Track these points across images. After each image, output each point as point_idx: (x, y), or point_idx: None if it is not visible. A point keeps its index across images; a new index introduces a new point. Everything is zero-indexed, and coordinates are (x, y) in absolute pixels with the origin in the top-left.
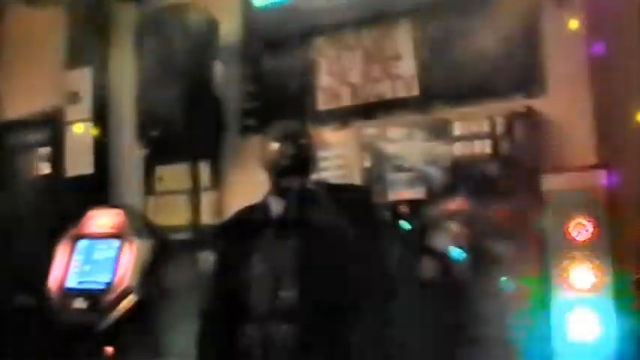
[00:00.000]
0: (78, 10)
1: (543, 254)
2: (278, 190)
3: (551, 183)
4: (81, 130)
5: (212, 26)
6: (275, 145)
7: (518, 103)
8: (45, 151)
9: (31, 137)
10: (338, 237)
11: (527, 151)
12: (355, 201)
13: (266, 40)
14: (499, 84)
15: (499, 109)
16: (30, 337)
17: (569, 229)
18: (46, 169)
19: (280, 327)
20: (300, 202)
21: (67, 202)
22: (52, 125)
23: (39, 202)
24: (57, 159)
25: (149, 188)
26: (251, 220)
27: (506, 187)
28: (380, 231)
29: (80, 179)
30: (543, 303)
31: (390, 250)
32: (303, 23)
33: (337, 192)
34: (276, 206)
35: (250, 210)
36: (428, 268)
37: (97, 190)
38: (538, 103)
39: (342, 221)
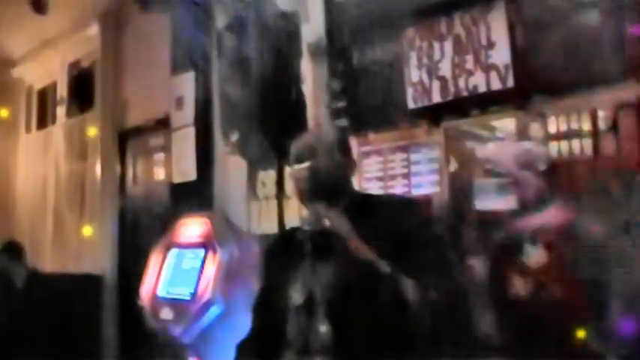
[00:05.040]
0: (183, 14)
1: None
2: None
3: None
4: (185, 136)
5: (293, 21)
6: (293, 168)
7: (629, 92)
8: (160, 157)
9: (149, 143)
10: (369, 271)
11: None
12: (397, 221)
13: (353, 33)
14: (607, 69)
15: (606, 99)
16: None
17: None
18: (161, 175)
19: None
20: (326, 235)
21: (174, 209)
22: (164, 131)
23: (154, 209)
24: (168, 165)
25: (252, 194)
26: (292, 244)
27: (609, 196)
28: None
29: (185, 185)
30: None
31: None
32: (390, 11)
33: (377, 209)
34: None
35: (292, 233)
36: (517, 287)
37: (201, 196)
38: None
39: (372, 255)
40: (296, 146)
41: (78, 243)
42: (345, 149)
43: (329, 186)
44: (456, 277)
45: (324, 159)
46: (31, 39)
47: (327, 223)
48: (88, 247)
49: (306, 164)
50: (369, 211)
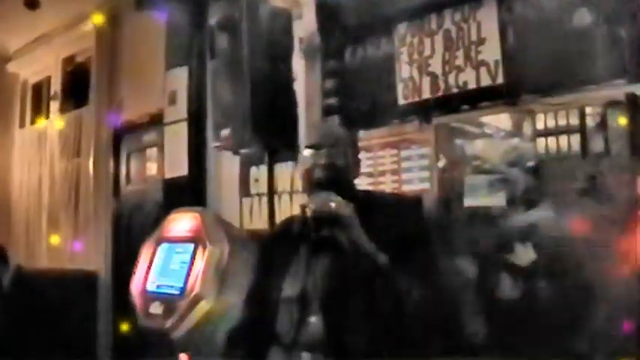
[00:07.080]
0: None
1: None
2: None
3: None
4: (177, 131)
5: (284, 18)
6: (308, 153)
7: (618, 90)
8: (152, 152)
9: (143, 139)
10: (368, 263)
11: (624, 147)
12: (399, 218)
13: (344, 29)
14: (597, 68)
15: (595, 97)
16: None
17: None
18: (153, 170)
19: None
20: (331, 221)
21: (166, 205)
22: (157, 127)
23: (144, 204)
24: (160, 161)
25: (245, 190)
26: (289, 236)
27: (597, 192)
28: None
29: (177, 180)
30: None
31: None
32: (382, 8)
33: (379, 205)
34: (310, 223)
35: (290, 224)
36: (508, 287)
37: (194, 191)
38: None
39: (372, 247)
40: (316, 133)
41: (73, 242)
42: (355, 145)
43: (341, 177)
44: (445, 275)
45: (342, 150)
46: (26, 34)
47: (333, 207)
48: (84, 245)
49: (324, 151)
50: (370, 208)
